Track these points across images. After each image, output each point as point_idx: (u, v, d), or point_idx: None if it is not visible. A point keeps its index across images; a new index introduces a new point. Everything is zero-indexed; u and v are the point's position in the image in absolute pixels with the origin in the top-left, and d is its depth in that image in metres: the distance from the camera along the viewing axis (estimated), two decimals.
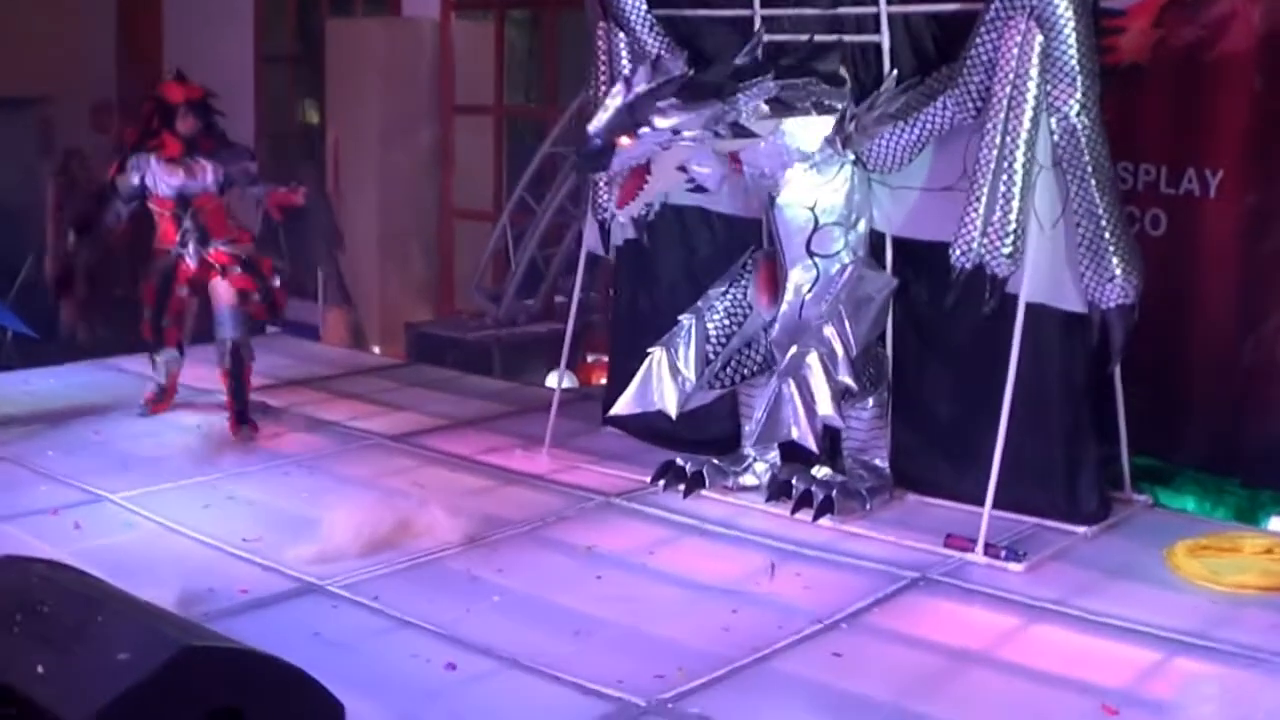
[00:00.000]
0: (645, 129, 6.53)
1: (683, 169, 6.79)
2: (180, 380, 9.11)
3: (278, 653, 4.27)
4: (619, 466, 7.91)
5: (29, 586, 4.46)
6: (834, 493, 7.01)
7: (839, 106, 6.98)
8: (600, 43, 8.09)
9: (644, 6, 7.82)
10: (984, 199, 6.47)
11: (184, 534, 6.75)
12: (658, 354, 7.19)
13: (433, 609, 5.83)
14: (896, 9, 7.07)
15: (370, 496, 7.12)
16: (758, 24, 7.50)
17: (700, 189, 7.02)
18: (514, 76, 13.43)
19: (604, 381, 9.98)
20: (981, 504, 6.67)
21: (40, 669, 4.02)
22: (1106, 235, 6.49)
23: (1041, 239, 6.55)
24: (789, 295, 7.23)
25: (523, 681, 5.24)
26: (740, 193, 7.58)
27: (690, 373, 7.17)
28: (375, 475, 7.75)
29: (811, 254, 7.16)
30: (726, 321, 7.32)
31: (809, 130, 6.93)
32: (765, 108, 6.75)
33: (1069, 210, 6.54)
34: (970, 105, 6.60)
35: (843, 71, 7.10)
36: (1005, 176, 6.44)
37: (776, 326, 7.26)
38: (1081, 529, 6.88)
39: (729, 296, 7.38)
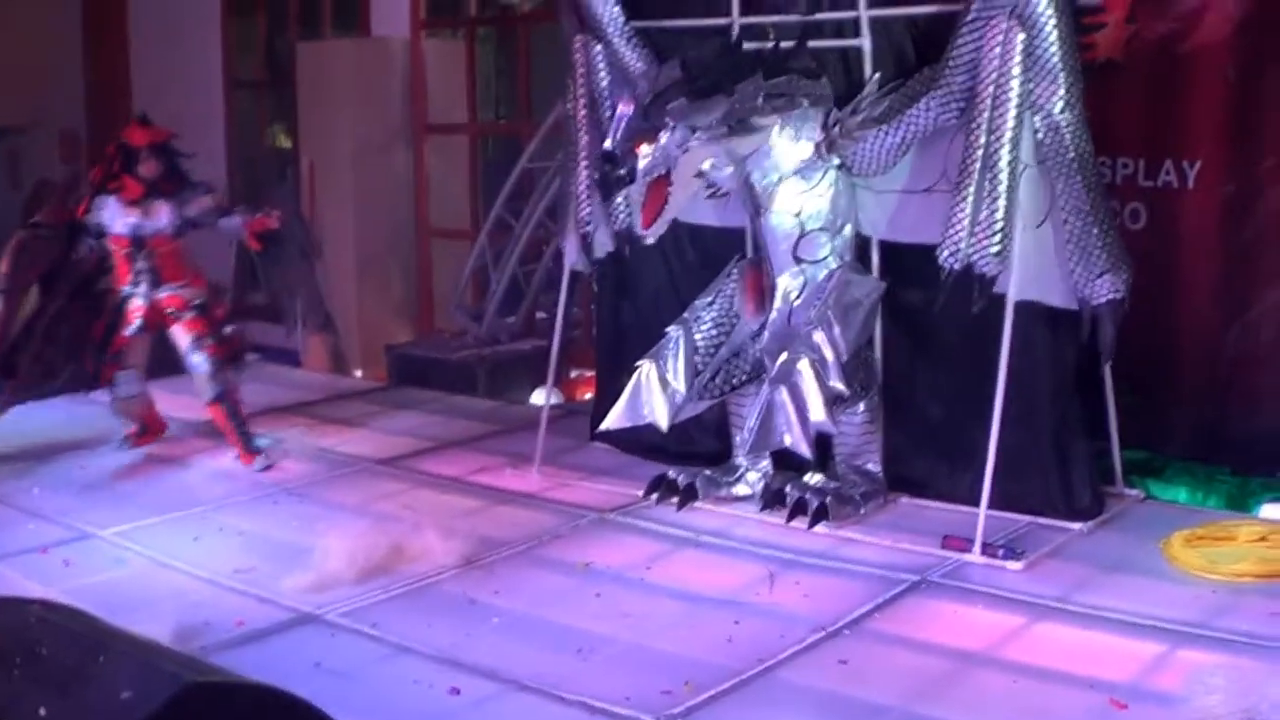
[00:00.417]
0: (664, 132, 6.50)
1: (700, 174, 6.75)
2: (162, 411, 9.03)
3: (279, 685, 4.20)
4: (610, 482, 7.88)
5: (26, 628, 4.39)
6: (828, 499, 6.99)
7: (828, 94, 6.97)
8: (578, 56, 8.05)
9: (622, 18, 7.81)
10: (970, 199, 6.46)
11: (176, 567, 6.68)
12: (646, 367, 7.17)
13: (432, 634, 5.78)
14: (876, 13, 7.09)
15: (362, 522, 7.09)
16: (736, 32, 7.50)
17: (718, 194, 7.00)
18: (484, 93, 13.38)
19: (590, 397, 9.96)
20: (975, 504, 6.66)
21: (43, 711, 3.96)
22: (1094, 231, 6.49)
23: (1028, 237, 6.54)
24: (777, 303, 7.21)
25: (529, 703, 5.19)
26: (722, 202, 7.55)
27: (680, 384, 7.14)
28: (365, 500, 7.70)
29: (798, 260, 7.14)
30: (714, 332, 7.30)
31: (798, 139, 6.91)
32: (764, 104, 6.74)
33: (1055, 207, 6.52)
34: (954, 106, 6.59)
35: (814, 66, 7.10)
36: (991, 176, 6.43)
37: (765, 334, 7.24)
38: (1077, 525, 6.88)
39: (715, 307, 7.36)
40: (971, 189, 6.47)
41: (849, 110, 6.98)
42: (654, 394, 7.13)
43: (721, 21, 7.61)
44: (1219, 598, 5.99)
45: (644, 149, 6.50)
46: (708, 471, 7.52)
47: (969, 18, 6.48)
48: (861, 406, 7.21)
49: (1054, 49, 6.35)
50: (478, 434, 9.23)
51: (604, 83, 7.95)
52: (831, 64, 7.21)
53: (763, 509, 7.20)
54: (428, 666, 5.50)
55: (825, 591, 6.19)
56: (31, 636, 4.30)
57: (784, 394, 6.64)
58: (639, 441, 7.92)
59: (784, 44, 7.12)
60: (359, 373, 12.26)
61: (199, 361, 8.46)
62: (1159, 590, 6.07)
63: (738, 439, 7.55)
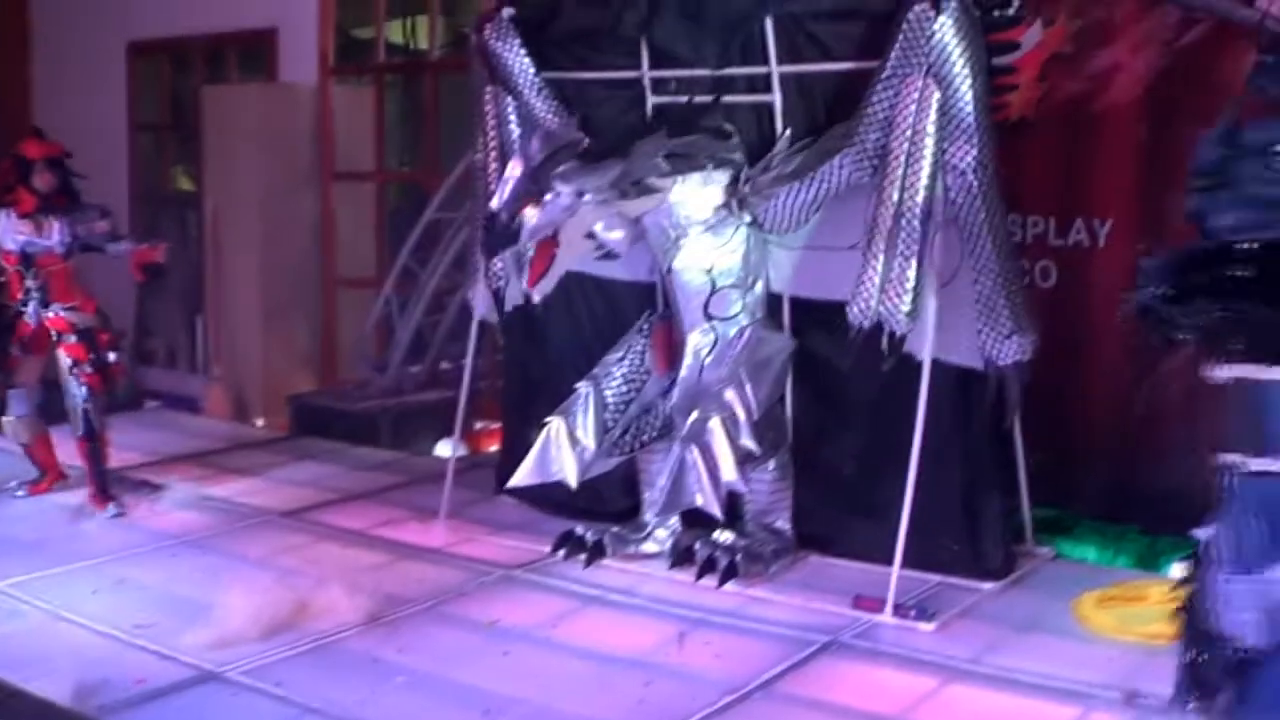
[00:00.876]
0: (550, 195, 6.46)
1: (591, 236, 6.72)
2: (61, 459, 8.84)
3: None
4: (517, 537, 7.79)
5: None
6: (738, 557, 6.94)
7: (735, 158, 6.95)
8: (488, 106, 8.00)
9: (532, 70, 7.75)
10: (881, 257, 6.46)
11: (74, 621, 6.50)
12: (555, 423, 7.10)
13: (338, 693, 5.65)
14: (789, 68, 7.07)
15: (265, 576, 6.93)
16: (646, 85, 7.48)
17: (610, 255, 6.96)
18: (390, 142, 13.27)
19: (495, 449, 9.88)
20: (884, 562, 6.63)
21: None
22: (1002, 292, 6.50)
23: (938, 296, 6.53)
24: (687, 359, 7.17)
25: None
26: (632, 256, 7.50)
27: (589, 441, 7.09)
28: (269, 553, 7.55)
29: (709, 317, 7.11)
30: (625, 388, 7.26)
31: (705, 192, 6.89)
32: (665, 164, 6.72)
33: (965, 267, 6.53)
34: (867, 163, 6.58)
35: (727, 126, 7.09)
36: (903, 234, 6.42)
37: (675, 392, 7.19)
38: (987, 584, 6.87)
39: (626, 363, 7.33)
40: (883, 246, 6.46)
41: (760, 167, 6.99)
42: (563, 450, 7.07)
43: (632, 75, 7.58)
44: (1133, 659, 5.97)
45: (529, 211, 6.47)
46: (616, 528, 7.46)
47: (884, 74, 6.49)
48: (772, 464, 7.18)
49: (969, 108, 6.37)
50: (381, 486, 9.12)
51: (514, 135, 7.89)
52: (743, 119, 7.20)
53: (671, 567, 7.14)
54: None
55: (736, 652, 6.12)
56: None
57: (695, 453, 6.60)
58: (546, 497, 7.83)
59: (697, 100, 7.12)
60: (260, 421, 12.10)
61: (74, 390, 8.31)
62: (1071, 651, 6.05)
63: (647, 496, 7.50)
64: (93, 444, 8.37)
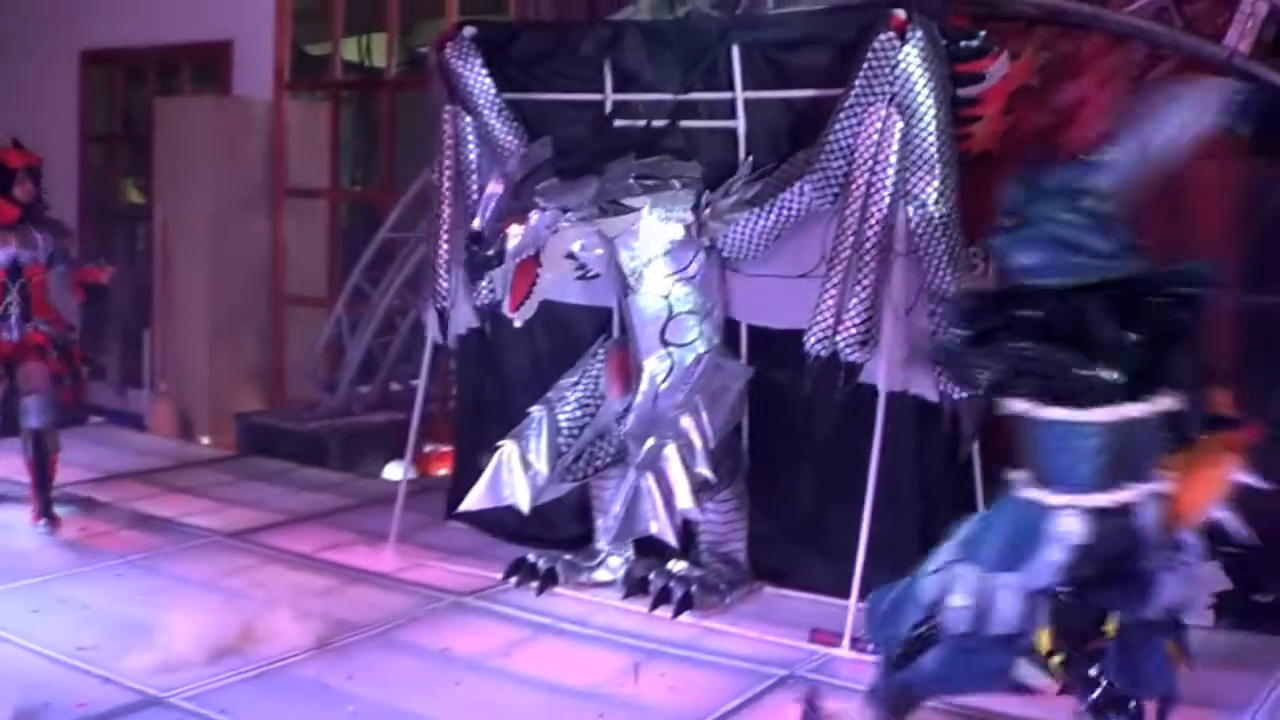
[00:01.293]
0: (534, 213, 6.38)
1: (571, 256, 6.63)
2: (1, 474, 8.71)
3: None
4: (468, 563, 7.70)
5: None
6: (693, 588, 6.88)
7: (697, 181, 6.90)
8: (446, 126, 7.89)
9: (493, 90, 7.66)
10: (839, 286, 6.42)
11: (13, 643, 6.39)
12: (508, 447, 7.02)
13: None
14: (753, 94, 7.02)
15: (211, 599, 6.84)
16: (609, 108, 7.41)
17: (588, 275, 6.89)
18: (343, 159, 13.15)
19: (444, 472, 9.78)
20: (840, 594, 6.58)
21: None
22: None
23: (896, 326, 6.49)
24: (643, 385, 7.10)
25: None
26: (589, 281, 7.42)
27: (542, 466, 7.01)
28: (214, 575, 7.44)
29: (666, 343, 7.03)
30: (579, 413, 7.18)
31: (666, 219, 6.83)
32: (636, 185, 6.66)
33: (923, 299, 6.48)
34: (828, 191, 6.55)
35: (684, 148, 7.05)
36: (861, 264, 6.38)
37: (631, 418, 7.12)
38: None
39: (580, 387, 7.25)
40: (841, 276, 6.43)
41: (721, 192, 6.92)
42: (515, 475, 6.98)
43: (595, 97, 7.51)
44: None
45: (513, 229, 6.39)
46: (568, 556, 7.37)
47: (848, 102, 6.46)
48: (727, 493, 7.11)
49: (932, 139, 6.35)
50: (330, 508, 9.02)
51: (472, 155, 7.81)
52: (705, 145, 7.15)
53: (625, 596, 7.07)
54: None
55: (691, 685, 6.06)
56: None
57: (650, 480, 6.53)
58: (498, 522, 7.76)
59: (656, 123, 7.06)
60: (206, 440, 11.95)
61: (43, 406, 8.17)
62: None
63: (600, 523, 7.40)
64: (41, 470, 8.20)
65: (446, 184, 7.90)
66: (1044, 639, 4.60)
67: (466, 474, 8.08)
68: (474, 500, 7.08)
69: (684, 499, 6.51)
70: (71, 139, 14.25)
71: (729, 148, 7.13)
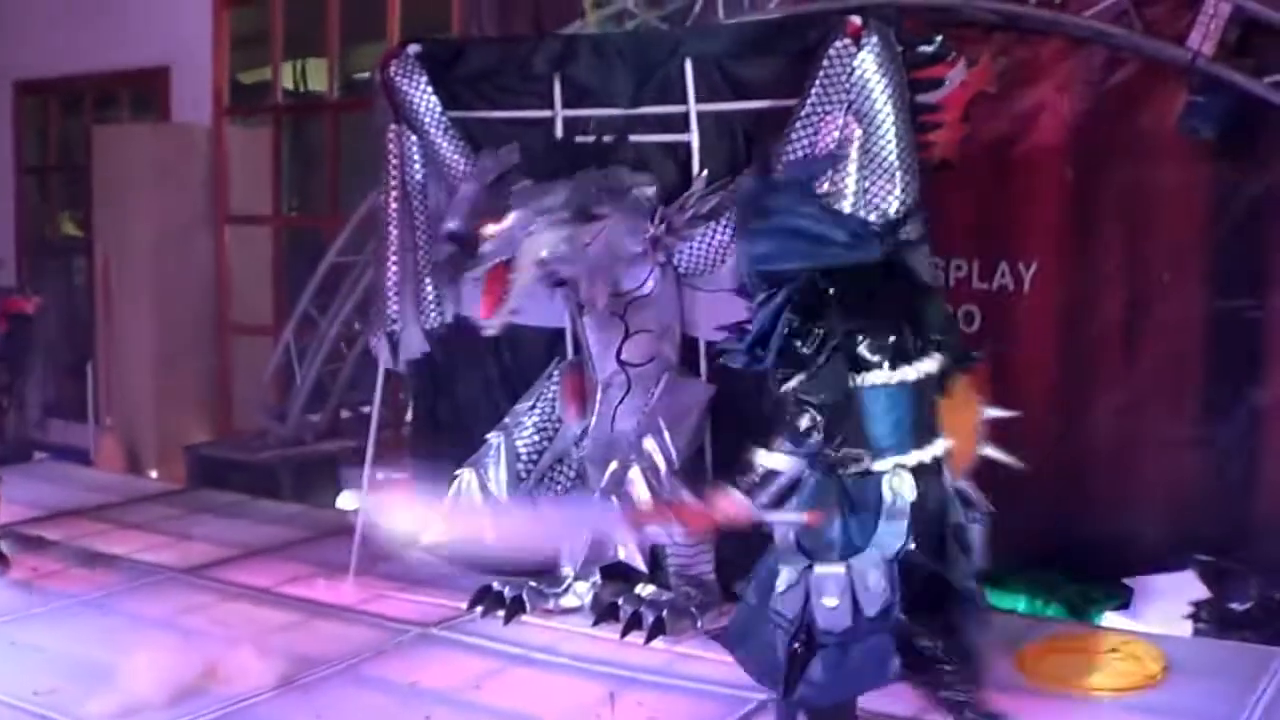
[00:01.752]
0: (510, 214, 6.20)
1: (542, 262, 6.43)
2: None
3: None
4: (431, 593, 7.50)
5: None
6: (664, 613, 6.71)
7: (652, 194, 6.76)
8: (392, 146, 7.70)
9: (439, 108, 7.49)
10: None
11: None
12: (467, 475, 6.92)
13: None
14: (706, 107, 6.88)
15: (171, 638, 6.61)
16: (559, 125, 7.26)
17: (560, 282, 6.70)
18: (286, 183, 12.99)
19: None
20: None
21: None
22: None
23: None
24: (599, 408, 6.93)
25: None
26: (542, 301, 7.26)
27: (502, 493, 6.86)
28: (172, 613, 7.20)
29: (623, 364, 6.88)
30: (537, 438, 7.05)
31: (626, 231, 6.69)
32: (600, 195, 6.51)
33: None
34: None
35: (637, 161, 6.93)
36: None
37: (588, 441, 6.96)
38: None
39: (537, 411, 7.12)
40: None
41: (676, 207, 6.77)
42: (475, 504, 6.82)
43: (544, 114, 7.35)
44: (1080, 713, 5.86)
45: (489, 228, 6.19)
46: (533, 583, 7.18)
47: (804, 112, 6.32)
48: None
49: (891, 147, 6.23)
50: (285, 540, 8.78)
51: (419, 175, 7.64)
52: (658, 160, 7.00)
53: (596, 623, 6.89)
54: None
55: (671, 713, 5.89)
56: None
57: (615, 504, 6.38)
58: (458, 550, 7.55)
59: (605, 139, 6.93)
60: (155, 473, 11.74)
61: None
62: (1017, 706, 5.79)
63: (565, 549, 7.23)
64: None
65: (393, 205, 7.72)
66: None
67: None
68: (434, 531, 6.91)
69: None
70: (7, 171, 14.05)
71: (683, 162, 6.99)
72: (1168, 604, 7.47)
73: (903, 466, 4.72)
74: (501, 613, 7.04)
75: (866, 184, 6.26)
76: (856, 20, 6.26)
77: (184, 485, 10.86)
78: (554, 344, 7.52)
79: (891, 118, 6.23)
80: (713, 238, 6.68)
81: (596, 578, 7.13)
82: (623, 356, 6.88)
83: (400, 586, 7.64)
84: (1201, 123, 7.26)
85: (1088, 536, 7.71)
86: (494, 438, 6.99)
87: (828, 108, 6.28)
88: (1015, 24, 7.83)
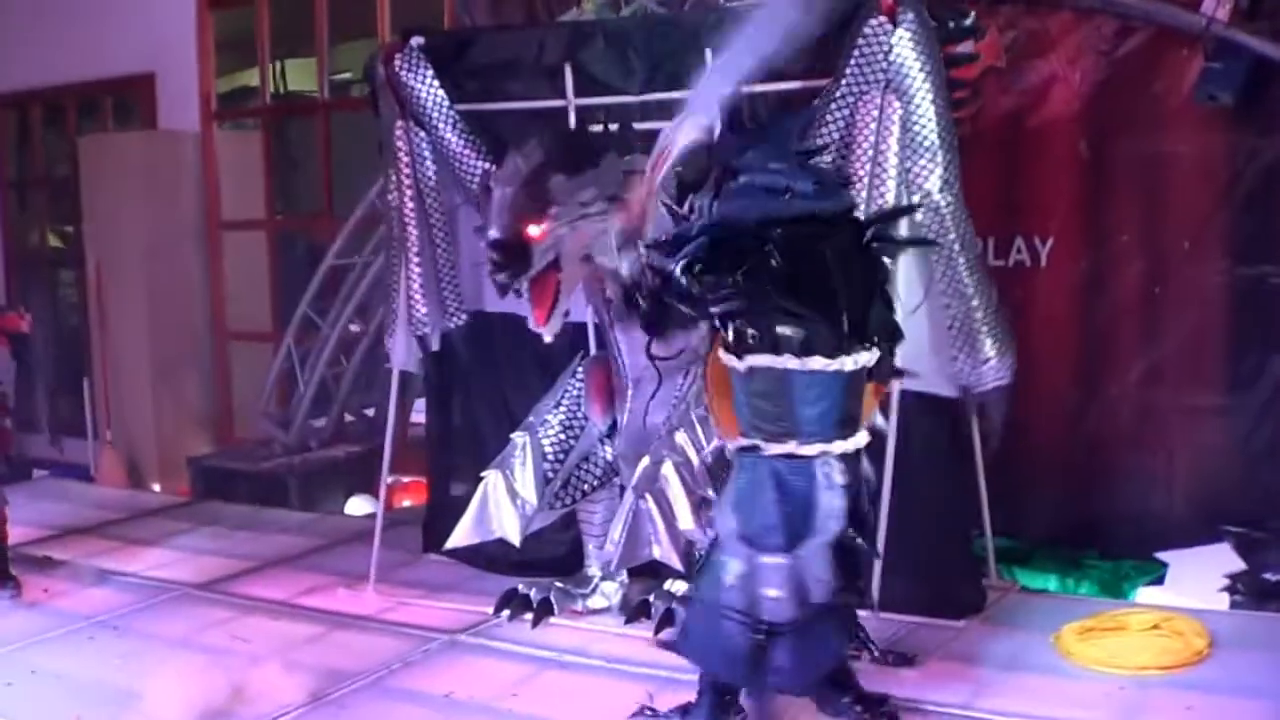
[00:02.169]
0: (552, 210, 5.98)
1: (588, 259, 6.21)
2: None
3: None
4: (454, 598, 7.33)
5: None
6: None
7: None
8: (400, 143, 7.51)
9: (446, 102, 7.33)
10: None
11: None
12: (493, 477, 6.69)
13: None
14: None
15: (193, 658, 6.42)
16: (572, 115, 7.10)
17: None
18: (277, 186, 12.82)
19: (409, 504, 9.47)
20: None
21: None
22: (978, 315, 6.23)
23: (906, 323, 6.20)
24: (631, 404, 6.77)
25: None
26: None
27: (530, 495, 6.68)
28: (191, 632, 7.02)
29: (653, 358, 6.72)
30: (563, 436, 6.85)
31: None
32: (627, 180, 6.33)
33: (933, 292, 6.22)
34: None
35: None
36: None
37: (619, 439, 6.80)
38: (960, 622, 6.54)
39: (562, 409, 6.91)
40: None
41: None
42: (502, 507, 6.66)
43: (557, 104, 7.18)
44: (1127, 694, 5.69)
45: (534, 229, 5.95)
46: (559, 583, 7.03)
47: (837, 93, 6.17)
48: None
49: (931, 124, 6.10)
50: (299, 550, 8.60)
51: (430, 171, 7.47)
52: None
53: (626, 623, 6.74)
54: None
55: None
56: None
57: (650, 502, 6.20)
58: (477, 552, 7.37)
59: (612, 127, 6.75)
60: (158, 487, 11.57)
61: None
62: (1064, 689, 5.75)
63: (592, 548, 7.08)
64: None
65: (409, 204, 7.52)
66: None
67: (441, 505, 7.82)
68: (462, 535, 6.75)
69: (685, 520, 6.16)
70: None
71: None
72: (1202, 577, 7.36)
73: (836, 454, 4.80)
74: (529, 616, 6.89)
75: (908, 164, 6.15)
76: None
77: (189, 498, 10.68)
78: (572, 339, 7.33)
79: (930, 95, 6.10)
80: None
81: (624, 576, 6.98)
82: (653, 351, 6.72)
83: (422, 593, 7.48)
84: (1219, 89, 7.13)
85: (1115, 511, 7.64)
86: (519, 437, 6.79)
87: (864, 87, 6.14)
88: None
